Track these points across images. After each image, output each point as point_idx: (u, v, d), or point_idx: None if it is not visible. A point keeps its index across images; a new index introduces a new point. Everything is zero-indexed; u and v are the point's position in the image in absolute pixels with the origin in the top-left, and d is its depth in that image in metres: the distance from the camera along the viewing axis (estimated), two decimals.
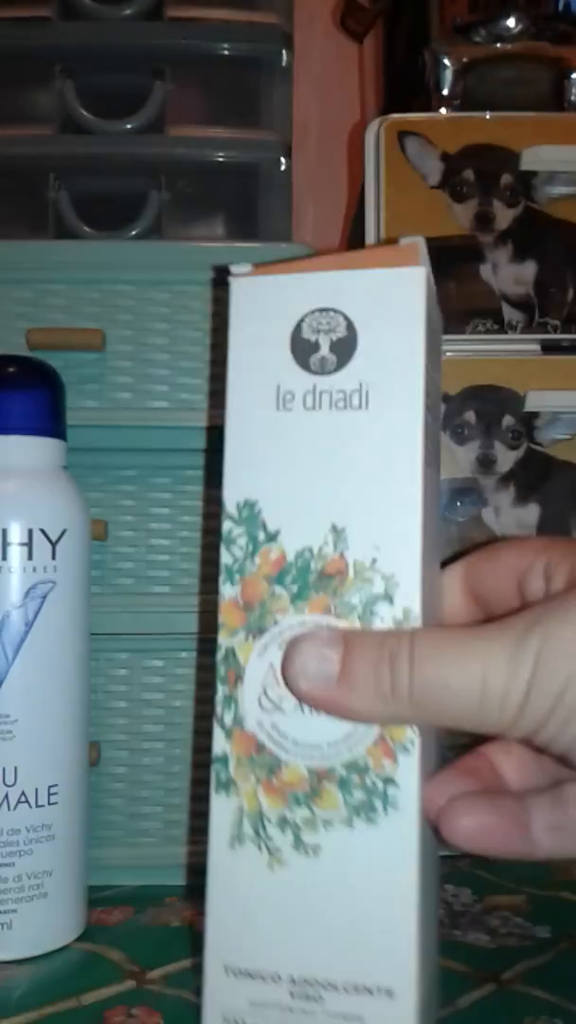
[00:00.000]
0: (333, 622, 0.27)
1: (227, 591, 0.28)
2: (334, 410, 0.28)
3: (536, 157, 0.46)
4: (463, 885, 0.42)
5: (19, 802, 0.35)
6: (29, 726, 0.35)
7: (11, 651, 0.35)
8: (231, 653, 0.28)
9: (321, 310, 0.28)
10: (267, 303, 0.29)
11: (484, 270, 0.46)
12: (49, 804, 0.36)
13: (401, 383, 0.28)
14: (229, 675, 0.28)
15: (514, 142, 0.47)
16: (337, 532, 0.28)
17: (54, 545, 0.36)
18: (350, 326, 0.28)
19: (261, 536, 0.28)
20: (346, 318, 0.28)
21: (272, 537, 0.28)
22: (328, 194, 0.73)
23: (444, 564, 0.31)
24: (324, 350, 0.28)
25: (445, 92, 0.51)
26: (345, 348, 0.28)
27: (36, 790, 0.35)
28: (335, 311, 0.28)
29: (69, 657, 0.37)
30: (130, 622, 0.43)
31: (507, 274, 0.46)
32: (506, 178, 0.46)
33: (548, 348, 0.46)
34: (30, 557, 0.36)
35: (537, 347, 0.46)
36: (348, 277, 0.28)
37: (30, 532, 0.36)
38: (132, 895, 0.41)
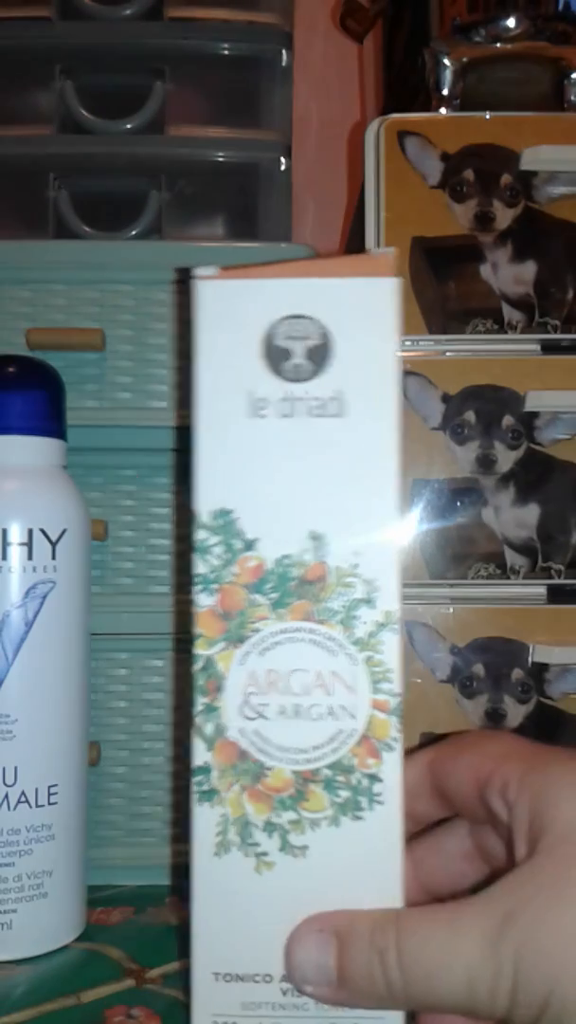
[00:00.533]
0: (314, 627, 0.28)
1: (204, 600, 0.28)
2: (310, 417, 0.28)
3: (536, 157, 0.46)
4: None
5: (19, 802, 0.35)
6: (29, 726, 0.35)
7: (11, 651, 0.35)
8: (211, 663, 0.28)
9: (294, 316, 0.28)
10: (236, 308, 0.28)
11: (484, 270, 0.46)
12: (49, 804, 0.36)
13: (377, 391, 0.28)
14: (209, 685, 0.28)
15: (514, 142, 0.47)
16: (316, 539, 0.28)
17: (54, 545, 0.36)
18: (325, 333, 0.28)
19: (238, 545, 0.28)
20: (320, 325, 0.28)
21: (250, 545, 0.28)
22: (328, 194, 0.73)
23: (415, 750, 0.31)
24: (298, 357, 0.28)
25: (445, 92, 0.51)
26: (320, 355, 0.28)
27: (36, 790, 0.35)
28: (309, 318, 0.28)
29: (69, 657, 0.37)
30: (130, 622, 0.43)
31: (507, 274, 0.46)
32: (506, 178, 0.46)
33: (548, 348, 0.46)
34: (30, 557, 0.36)
35: (537, 347, 0.46)
36: (322, 284, 0.28)
37: (30, 532, 0.36)
38: (132, 895, 0.41)
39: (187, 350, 0.29)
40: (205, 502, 0.28)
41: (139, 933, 0.38)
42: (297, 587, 0.28)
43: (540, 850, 0.25)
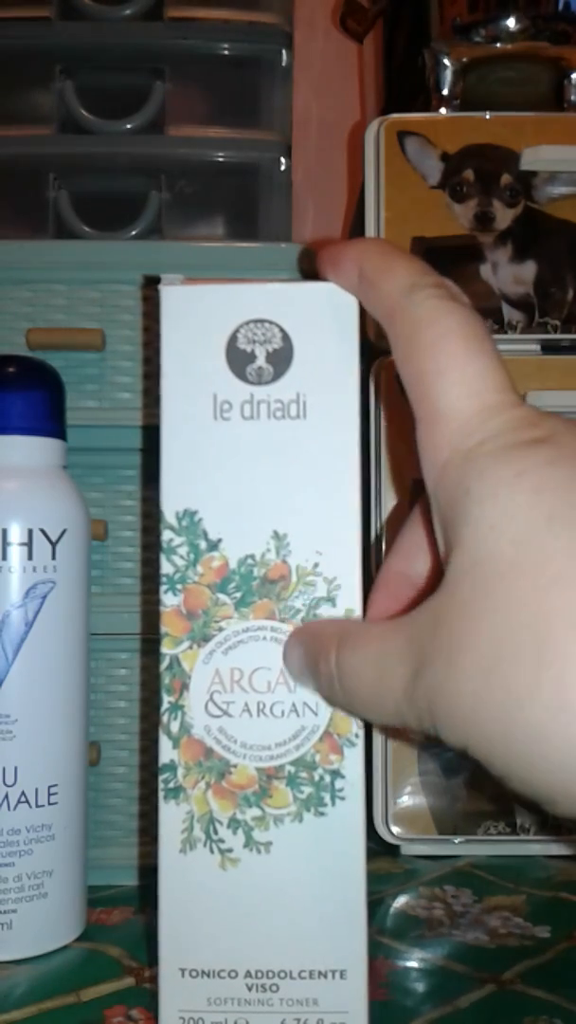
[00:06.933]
0: (277, 626, 0.28)
1: (169, 600, 0.29)
2: (272, 419, 0.29)
3: (536, 157, 0.46)
4: (463, 886, 0.42)
5: (19, 802, 0.35)
6: (29, 726, 0.35)
7: (11, 651, 0.35)
8: (176, 662, 0.29)
9: (256, 321, 0.29)
10: (200, 313, 0.29)
11: (484, 270, 0.46)
12: (49, 804, 0.36)
13: (337, 393, 0.29)
14: (174, 684, 0.29)
15: (514, 142, 0.47)
16: (279, 538, 0.28)
17: (54, 545, 0.36)
18: (285, 337, 0.29)
19: (203, 545, 0.29)
20: (281, 329, 0.29)
21: (214, 546, 0.29)
22: (328, 194, 0.73)
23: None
24: (260, 360, 0.29)
25: (445, 92, 0.51)
26: (281, 359, 0.29)
27: (36, 790, 0.35)
28: (270, 322, 0.29)
29: (69, 657, 0.37)
30: (130, 622, 0.43)
31: (507, 274, 0.46)
32: (506, 178, 0.46)
33: (548, 348, 0.46)
34: (30, 557, 0.36)
35: (537, 347, 0.46)
36: (283, 289, 0.29)
37: (30, 532, 0.36)
38: (132, 895, 0.41)
39: (154, 356, 0.30)
40: (170, 503, 0.29)
41: (139, 933, 0.38)
42: (260, 586, 0.28)
43: (448, 579, 0.23)
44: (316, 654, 0.27)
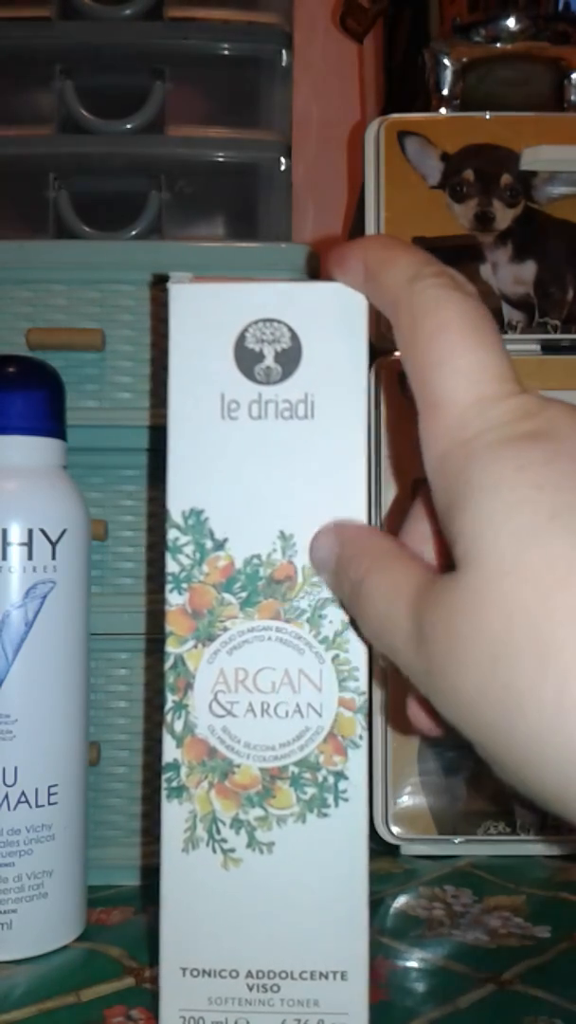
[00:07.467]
0: (282, 626, 0.28)
1: (174, 599, 0.29)
2: (280, 419, 0.29)
3: (536, 157, 0.46)
4: (463, 886, 0.42)
5: (19, 802, 0.35)
6: (29, 726, 0.35)
7: (11, 651, 0.35)
8: (180, 661, 0.29)
9: (265, 320, 0.29)
10: (209, 312, 0.29)
11: (484, 270, 0.46)
12: (49, 804, 0.36)
13: (346, 394, 0.29)
14: (179, 683, 0.28)
15: (514, 142, 0.47)
16: (285, 539, 0.28)
17: (54, 545, 0.36)
18: (294, 337, 0.29)
19: (209, 544, 0.29)
20: (290, 329, 0.29)
21: (220, 545, 0.29)
22: (328, 194, 0.73)
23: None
24: (269, 360, 0.29)
25: (445, 92, 0.51)
26: (290, 359, 0.29)
27: (36, 790, 0.35)
28: (279, 322, 0.29)
29: (69, 657, 0.37)
30: (130, 622, 0.43)
31: (507, 274, 0.46)
32: (506, 178, 0.46)
33: (548, 348, 0.46)
34: (30, 557, 0.36)
35: (537, 347, 0.46)
36: (292, 289, 0.29)
37: (30, 532, 0.36)
38: (132, 895, 0.41)
39: (161, 355, 0.29)
40: (176, 502, 0.29)
41: (139, 933, 0.38)
42: (266, 586, 0.28)
43: (457, 565, 0.23)
44: (348, 559, 0.27)
